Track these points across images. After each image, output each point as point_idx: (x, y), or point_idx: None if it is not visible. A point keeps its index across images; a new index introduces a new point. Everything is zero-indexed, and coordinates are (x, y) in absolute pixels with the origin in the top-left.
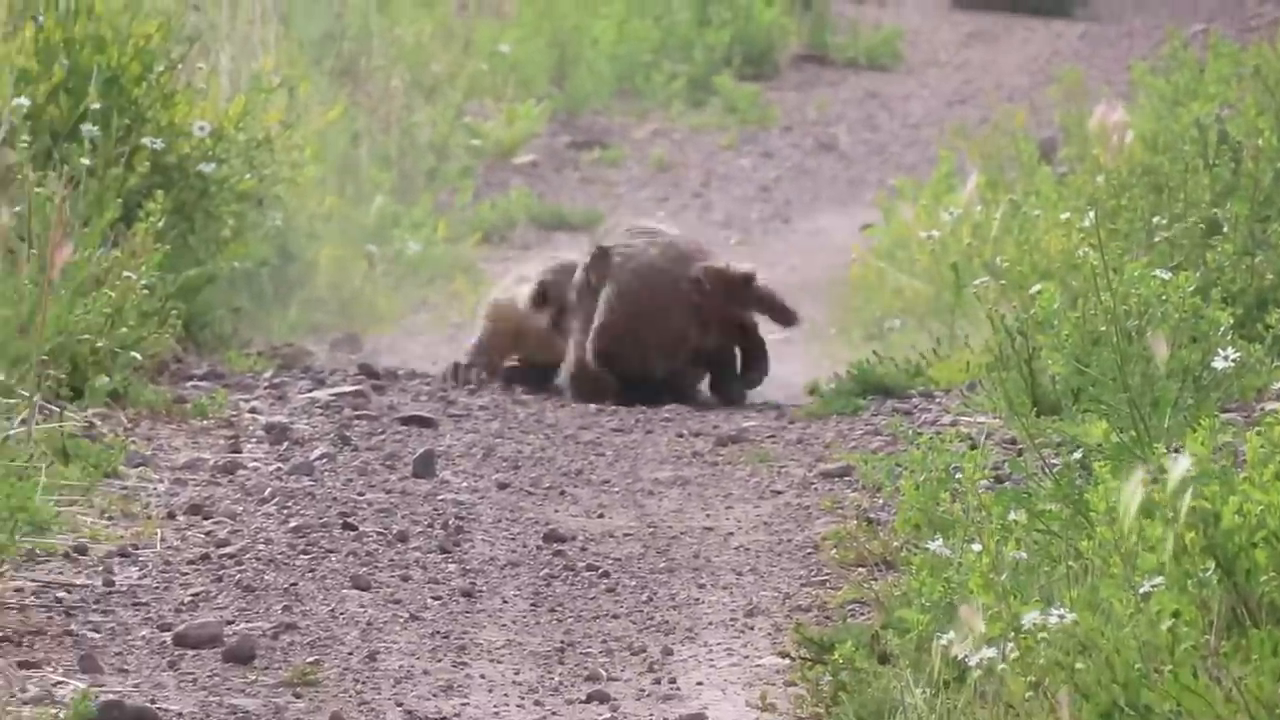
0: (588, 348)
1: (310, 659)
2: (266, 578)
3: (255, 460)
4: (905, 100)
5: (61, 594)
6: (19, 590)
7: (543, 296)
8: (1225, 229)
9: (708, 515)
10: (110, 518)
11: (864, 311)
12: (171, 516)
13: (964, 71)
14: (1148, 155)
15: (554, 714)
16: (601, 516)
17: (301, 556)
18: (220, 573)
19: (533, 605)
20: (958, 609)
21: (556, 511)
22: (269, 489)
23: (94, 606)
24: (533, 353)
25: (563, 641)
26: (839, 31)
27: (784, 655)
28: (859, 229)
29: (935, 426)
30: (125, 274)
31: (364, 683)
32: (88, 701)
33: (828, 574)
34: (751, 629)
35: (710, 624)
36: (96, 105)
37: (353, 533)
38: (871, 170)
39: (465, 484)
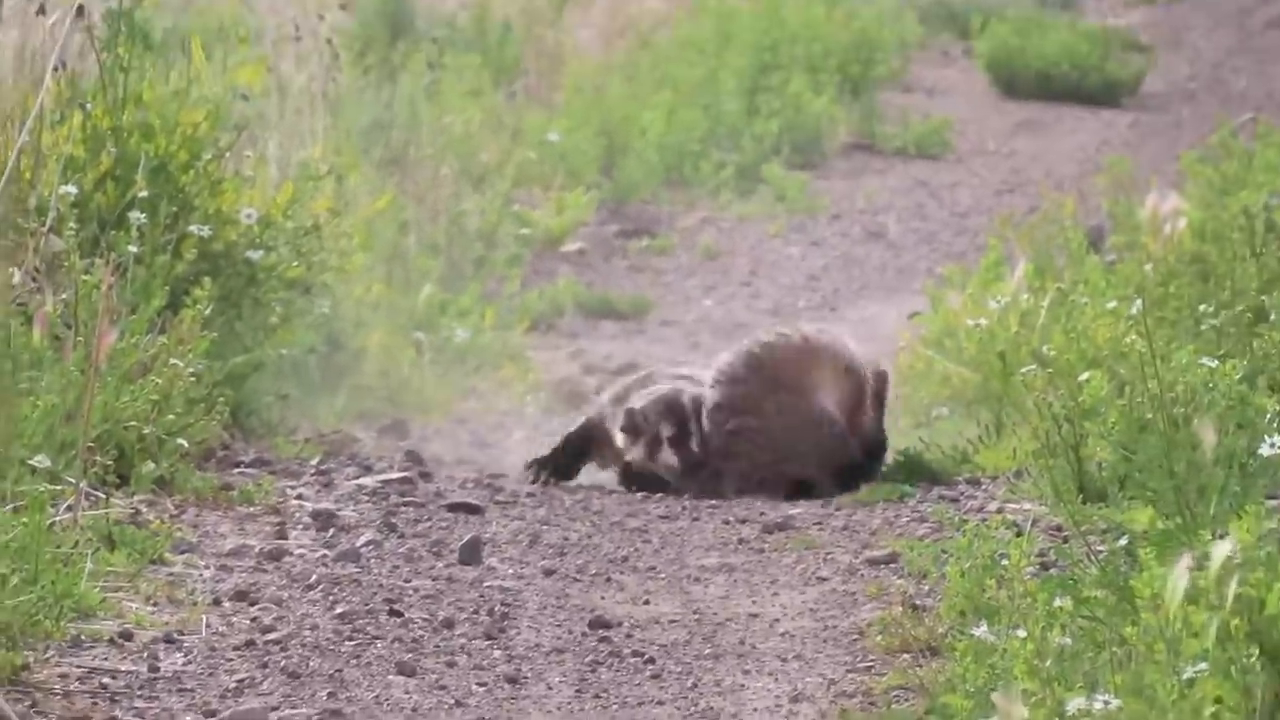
0: None
1: None
2: (312, 664)
3: (301, 547)
4: (954, 189)
5: (107, 680)
6: (64, 676)
7: (634, 429)
8: (1272, 316)
9: (753, 601)
10: (156, 604)
11: (912, 399)
12: (217, 603)
13: (1012, 160)
14: (1196, 244)
15: None
16: (647, 603)
17: (347, 643)
18: (265, 659)
19: (578, 691)
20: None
21: (602, 598)
22: (315, 575)
23: (139, 693)
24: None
25: None
26: (887, 121)
27: None
28: (907, 317)
29: (981, 514)
30: (172, 361)
31: None
32: None
33: (873, 660)
34: (796, 715)
35: (755, 710)
36: (144, 193)
37: (398, 619)
38: (920, 259)
39: (511, 570)
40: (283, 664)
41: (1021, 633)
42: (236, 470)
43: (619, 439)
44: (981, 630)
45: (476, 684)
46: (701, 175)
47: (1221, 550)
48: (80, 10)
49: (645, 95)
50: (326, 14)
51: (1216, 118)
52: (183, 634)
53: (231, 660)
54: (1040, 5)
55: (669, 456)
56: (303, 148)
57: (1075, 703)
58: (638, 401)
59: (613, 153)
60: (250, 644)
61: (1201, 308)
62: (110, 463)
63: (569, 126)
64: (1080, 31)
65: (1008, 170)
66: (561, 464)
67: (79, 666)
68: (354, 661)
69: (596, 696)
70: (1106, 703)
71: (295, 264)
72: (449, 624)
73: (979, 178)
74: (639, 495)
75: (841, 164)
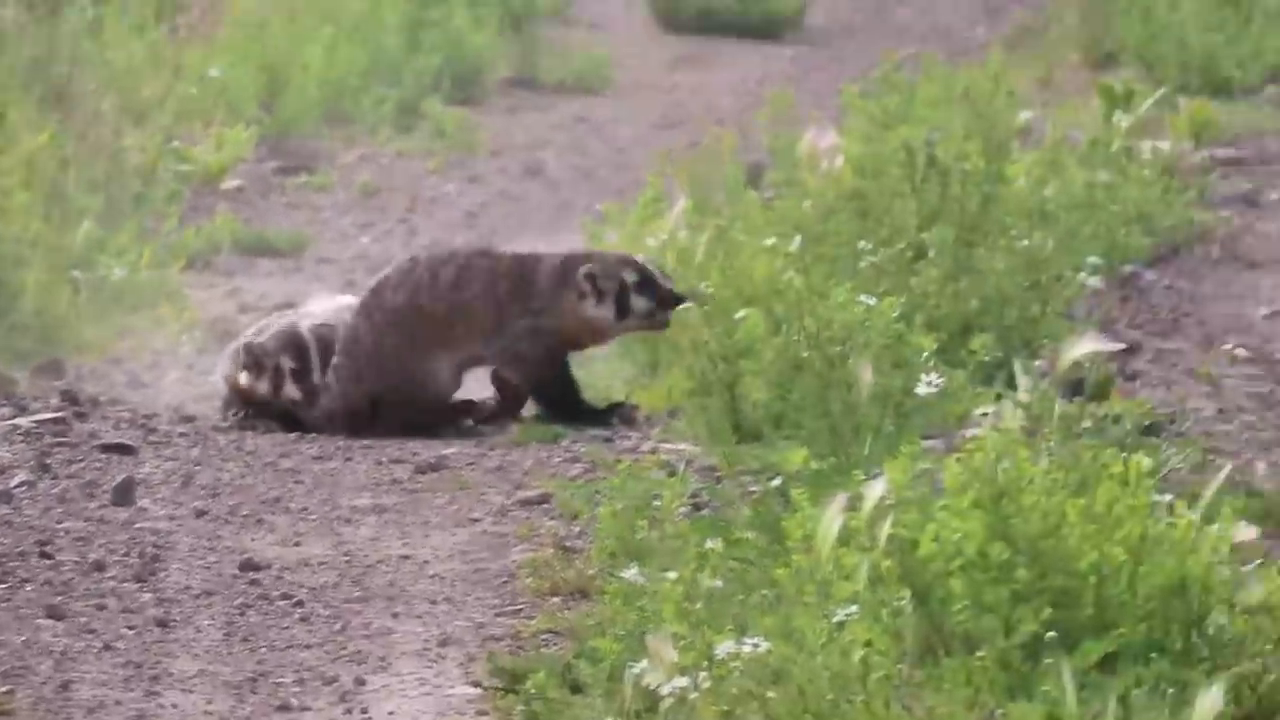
0: None
1: (2, 689)
2: None
3: None
4: (613, 125)
5: None
6: None
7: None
8: (931, 254)
9: (404, 543)
10: None
11: None
12: None
13: (673, 95)
14: (855, 180)
15: None
16: (298, 545)
17: None
18: None
19: (226, 635)
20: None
21: (253, 540)
22: None
23: None
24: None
25: (255, 671)
26: (549, 55)
27: (476, 685)
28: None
29: (635, 454)
30: None
31: (56, 713)
32: None
33: (523, 603)
34: (444, 659)
35: (403, 654)
36: None
37: (49, 561)
38: (579, 195)
39: (163, 512)
40: None
41: (673, 575)
42: None
43: (243, 377)
44: (632, 572)
45: (126, 627)
46: (361, 111)
47: (875, 491)
48: None
49: (307, 32)
50: None
51: (880, 52)
52: None
53: None
54: None
55: (291, 390)
56: None
57: (724, 646)
58: (258, 336)
59: (274, 89)
60: None
61: (860, 244)
62: None
63: (230, 62)
64: None
65: (668, 105)
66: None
67: None
68: (2, 605)
69: (244, 640)
70: (756, 645)
71: None
72: (100, 566)
73: (639, 113)
74: (293, 436)
75: (501, 100)
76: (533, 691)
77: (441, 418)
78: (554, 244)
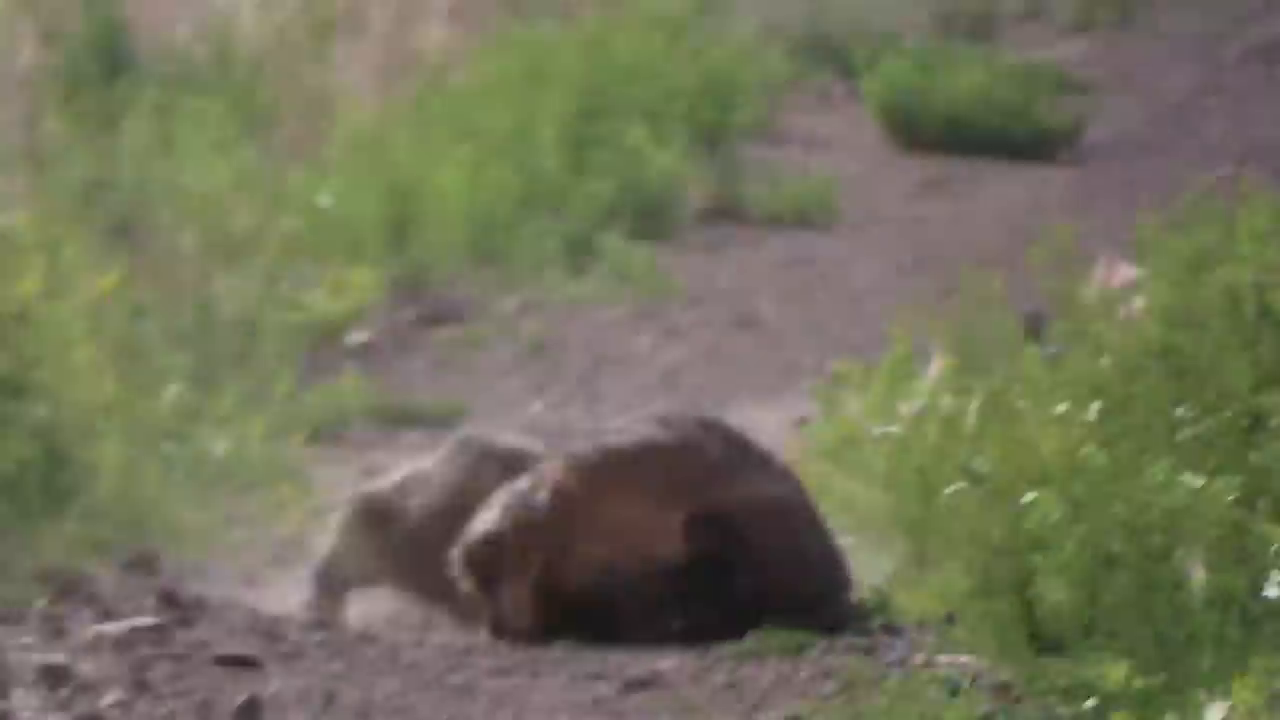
0: None
1: None
2: None
3: (28, 711)
4: (844, 266)
5: None
6: None
7: None
8: (1273, 422)
9: None
10: None
11: None
12: None
13: (919, 230)
14: (1164, 332)
15: None
16: None
17: None
18: None
19: None
20: None
21: None
22: None
23: None
24: None
25: None
26: (754, 181)
27: None
28: (793, 425)
29: (904, 668)
30: None
31: None
32: None
33: None
34: None
35: None
36: None
37: None
38: (805, 352)
39: None
40: None
41: None
42: None
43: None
44: None
45: None
46: (519, 248)
47: (1217, 714)
48: None
49: (440, 149)
50: (24, 49)
51: (1181, 174)
52: None
53: None
54: (945, 35)
55: None
56: (2, 213)
57: None
58: None
59: (403, 221)
60: None
61: (1178, 412)
62: None
63: (344, 188)
64: (1000, 68)
65: (913, 242)
66: None
67: None
68: None
69: None
70: None
71: (1, 358)
72: None
73: (876, 252)
74: (461, 645)
75: (698, 235)
76: None
77: None
78: (775, 409)
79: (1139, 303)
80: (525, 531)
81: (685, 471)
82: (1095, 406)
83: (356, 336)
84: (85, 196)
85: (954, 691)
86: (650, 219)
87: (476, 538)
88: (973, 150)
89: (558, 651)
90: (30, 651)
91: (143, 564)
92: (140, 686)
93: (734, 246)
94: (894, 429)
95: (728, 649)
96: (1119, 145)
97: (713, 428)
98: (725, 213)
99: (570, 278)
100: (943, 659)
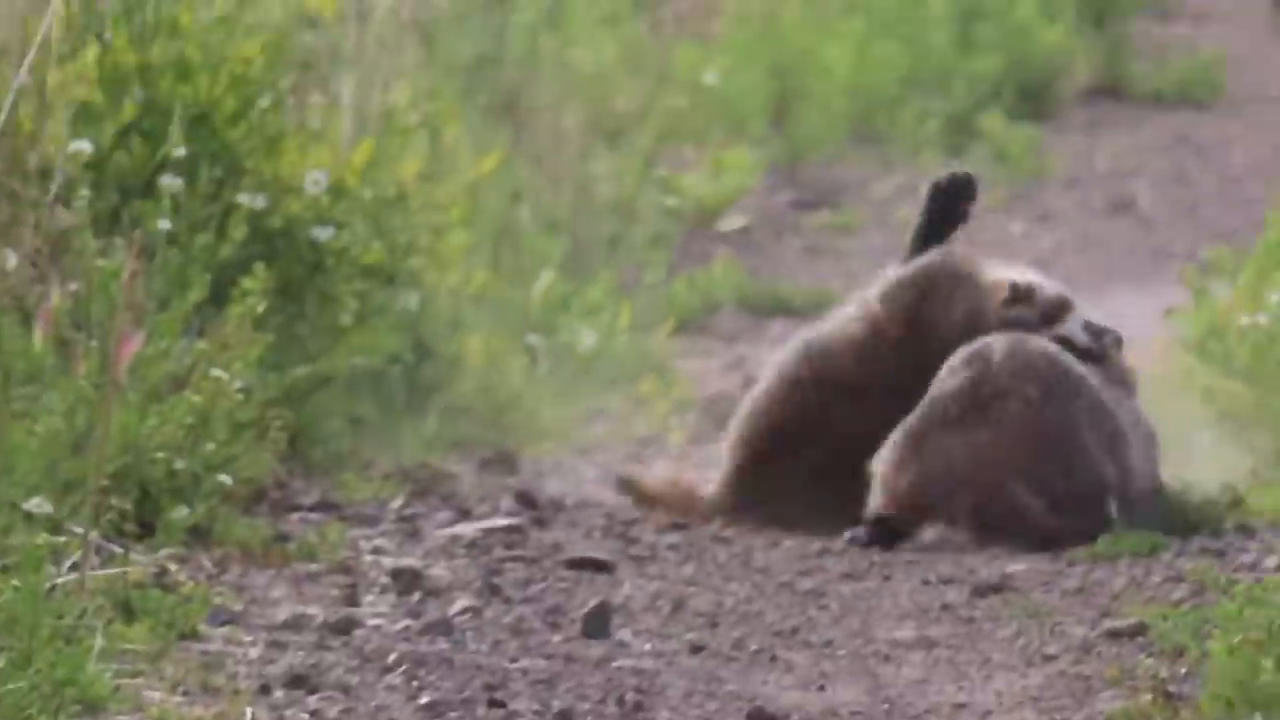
0: None
1: None
2: None
3: (378, 616)
4: (1226, 147)
5: None
6: None
7: None
8: None
9: (960, 688)
10: (187, 692)
11: (1166, 420)
12: (266, 690)
13: None
14: None
15: None
16: (823, 689)
17: None
18: None
19: None
20: None
21: (765, 683)
22: (394, 653)
23: None
24: None
25: None
26: (1140, 58)
27: None
28: (1161, 314)
29: (1257, 572)
30: (213, 373)
31: None
32: None
33: None
34: None
35: None
36: (180, 151)
37: (502, 710)
38: (1179, 238)
39: (648, 646)
40: None
41: None
42: (295, 516)
43: None
44: None
45: None
46: (900, 128)
47: None
48: None
49: (829, 24)
50: None
51: None
52: None
53: None
54: None
55: None
56: (387, 91)
57: None
58: None
59: (786, 99)
60: None
61: None
62: (129, 507)
63: (730, 65)
64: None
65: None
66: None
67: None
68: None
69: None
70: None
71: (375, 245)
72: (567, 717)
73: (1260, 133)
74: (815, 548)
75: (1080, 114)
76: None
77: None
78: (1148, 297)
79: None
80: None
81: None
82: None
83: (731, 222)
84: (471, 74)
85: None
86: (1033, 97)
87: None
88: None
89: (909, 555)
90: (383, 555)
91: (501, 463)
92: (492, 591)
93: (1114, 126)
94: (1261, 318)
95: (1080, 553)
96: None
97: None
98: (1109, 91)
99: (949, 159)
100: None
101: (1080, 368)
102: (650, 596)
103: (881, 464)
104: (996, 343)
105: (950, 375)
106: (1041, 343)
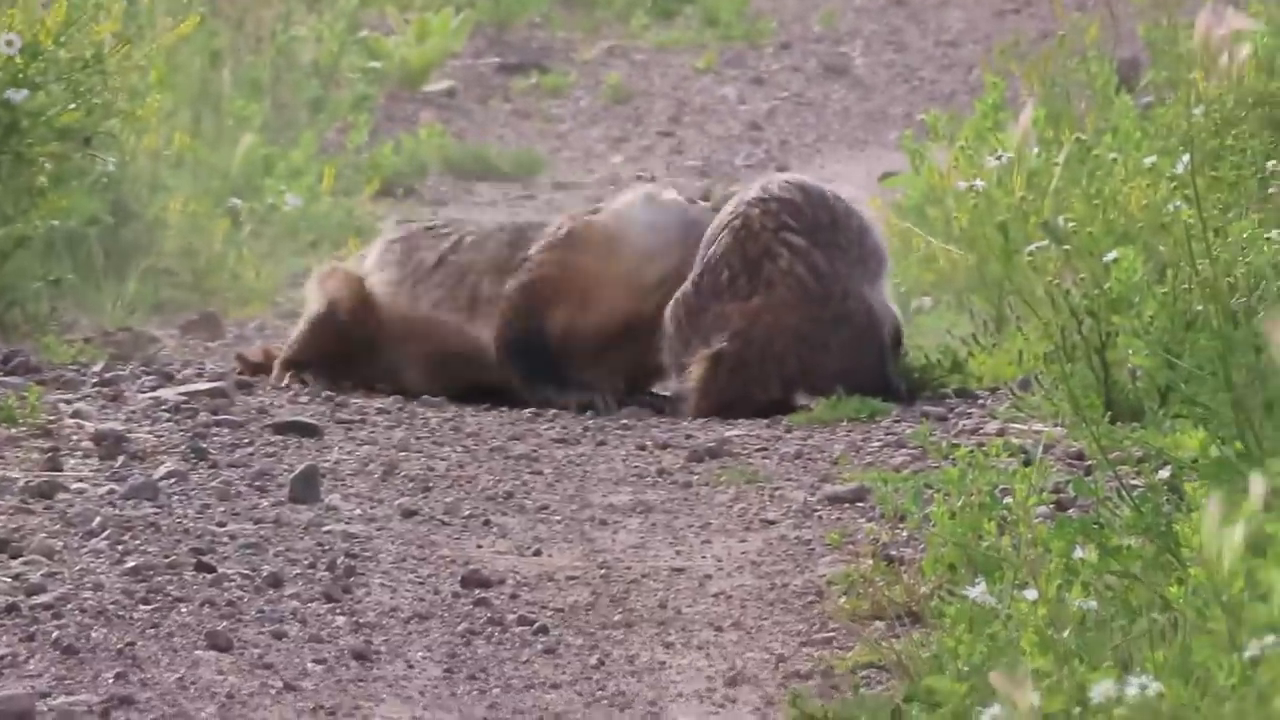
0: None
1: None
2: (94, 635)
3: (80, 480)
4: (940, 9)
5: None
6: None
7: None
8: None
9: (677, 552)
10: None
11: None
12: None
13: None
14: (1263, 80)
15: None
16: (538, 554)
17: (141, 607)
18: (33, 629)
19: (447, 671)
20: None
21: (479, 547)
22: (98, 518)
23: None
24: None
25: (486, 719)
26: None
27: None
28: (877, 178)
29: (977, 436)
30: None
31: None
32: None
33: (834, 630)
34: (734, 702)
35: (680, 695)
36: None
37: (209, 575)
38: (895, 101)
39: (359, 511)
40: (56, 636)
41: (1031, 594)
42: None
43: None
44: (978, 591)
45: (313, 661)
46: None
47: None
48: None
49: None
50: None
51: None
52: None
53: None
54: None
55: None
56: None
57: (1102, 687)
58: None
59: None
60: (12, 609)
61: (1270, 165)
62: None
63: None
64: None
65: None
66: None
67: None
68: (150, 632)
69: (472, 678)
70: (1144, 687)
71: (71, 107)
72: (276, 582)
73: None
74: (527, 413)
75: None
76: None
77: None
78: (863, 161)
79: (1244, 53)
80: None
81: None
82: (1185, 159)
83: (436, 85)
84: None
85: (1027, 461)
86: None
87: None
88: None
89: (625, 419)
90: (85, 419)
91: (205, 326)
92: (197, 455)
93: None
94: (979, 183)
95: (799, 417)
96: None
97: None
98: None
99: (657, 23)
100: (1017, 426)
101: None
102: (360, 461)
103: None
104: None
105: None
106: None
